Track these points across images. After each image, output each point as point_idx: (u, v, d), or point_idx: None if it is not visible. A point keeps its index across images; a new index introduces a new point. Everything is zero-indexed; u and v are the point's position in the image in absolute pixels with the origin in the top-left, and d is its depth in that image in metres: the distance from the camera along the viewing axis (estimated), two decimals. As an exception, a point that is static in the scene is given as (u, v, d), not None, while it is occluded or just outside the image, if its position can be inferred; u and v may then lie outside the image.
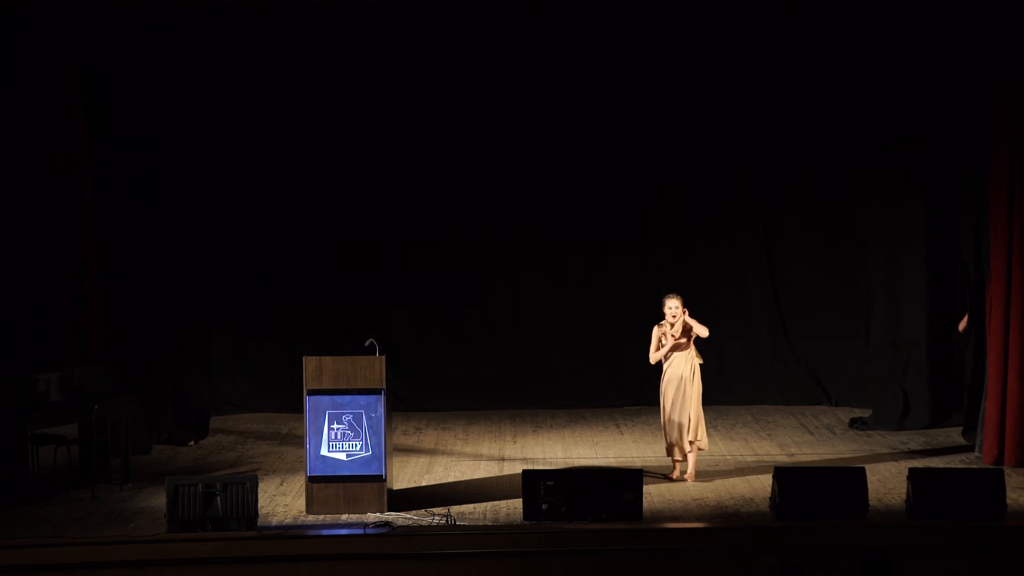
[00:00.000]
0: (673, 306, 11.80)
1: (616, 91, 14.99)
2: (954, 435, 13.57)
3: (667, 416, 11.79)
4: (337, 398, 10.90)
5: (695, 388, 11.75)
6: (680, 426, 11.73)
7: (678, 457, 11.86)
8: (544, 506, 10.48)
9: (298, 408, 11.49)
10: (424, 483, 12.05)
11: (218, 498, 10.28)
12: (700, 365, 11.84)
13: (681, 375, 11.75)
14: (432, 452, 13.32)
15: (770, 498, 10.79)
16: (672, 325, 11.83)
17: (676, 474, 11.92)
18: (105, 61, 12.94)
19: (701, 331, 11.80)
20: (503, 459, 12.98)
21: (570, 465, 12.57)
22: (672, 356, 11.83)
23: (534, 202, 15.29)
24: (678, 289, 12.21)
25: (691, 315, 11.82)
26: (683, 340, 11.82)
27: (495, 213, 15.33)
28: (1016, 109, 12.17)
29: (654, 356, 11.91)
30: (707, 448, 12.02)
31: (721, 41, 14.53)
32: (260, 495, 10.64)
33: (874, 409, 14.32)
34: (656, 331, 11.91)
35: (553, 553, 10.06)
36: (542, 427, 14.49)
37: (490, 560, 9.98)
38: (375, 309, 15.15)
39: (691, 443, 11.75)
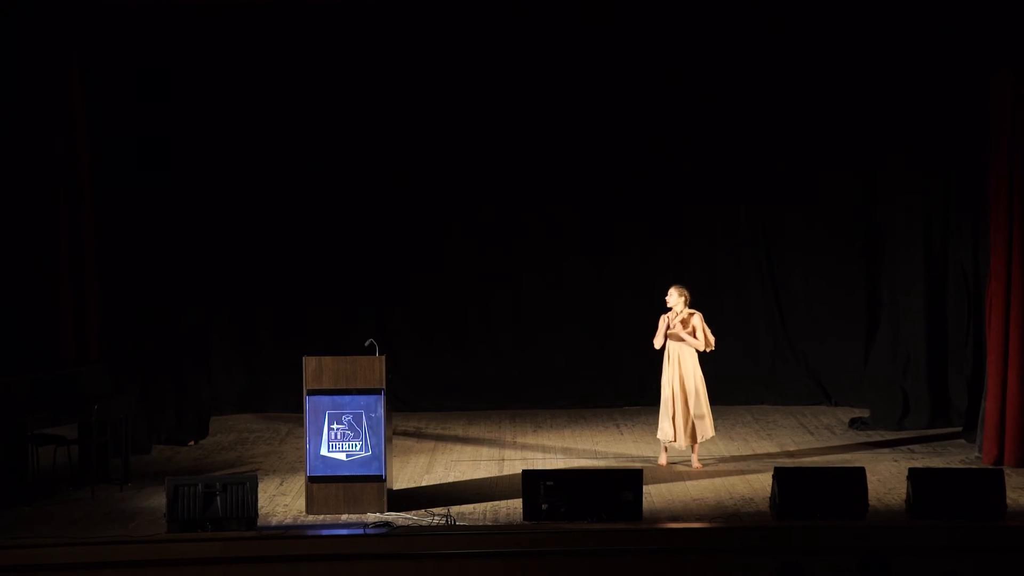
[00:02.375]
0: (673, 293, 12.25)
1: (616, 91, 14.98)
2: (954, 435, 13.56)
3: (688, 404, 12.11)
4: (337, 398, 10.89)
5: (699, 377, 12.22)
6: (705, 415, 12.14)
7: (678, 444, 12.19)
8: (544, 506, 10.48)
9: (298, 408, 11.49)
10: (424, 483, 12.05)
11: (218, 498, 10.28)
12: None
13: (687, 366, 12.13)
14: (432, 452, 13.32)
15: (770, 498, 10.78)
16: (679, 315, 12.20)
17: (664, 460, 12.28)
18: (105, 61, 12.94)
19: (696, 343, 12.16)
20: (503, 459, 12.98)
21: (570, 465, 12.58)
22: (675, 346, 12.09)
23: (534, 202, 15.29)
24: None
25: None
26: (682, 330, 12.15)
27: (495, 213, 15.32)
28: (1016, 110, 12.16)
29: (658, 340, 12.21)
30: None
31: (721, 41, 14.53)
32: (260, 495, 10.64)
33: (874, 409, 14.30)
34: (663, 320, 12.25)
35: (553, 553, 10.05)
36: (542, 427, 14.49)
37: (490, 560, 9.98)
38: (375, 309, 15.17)
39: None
